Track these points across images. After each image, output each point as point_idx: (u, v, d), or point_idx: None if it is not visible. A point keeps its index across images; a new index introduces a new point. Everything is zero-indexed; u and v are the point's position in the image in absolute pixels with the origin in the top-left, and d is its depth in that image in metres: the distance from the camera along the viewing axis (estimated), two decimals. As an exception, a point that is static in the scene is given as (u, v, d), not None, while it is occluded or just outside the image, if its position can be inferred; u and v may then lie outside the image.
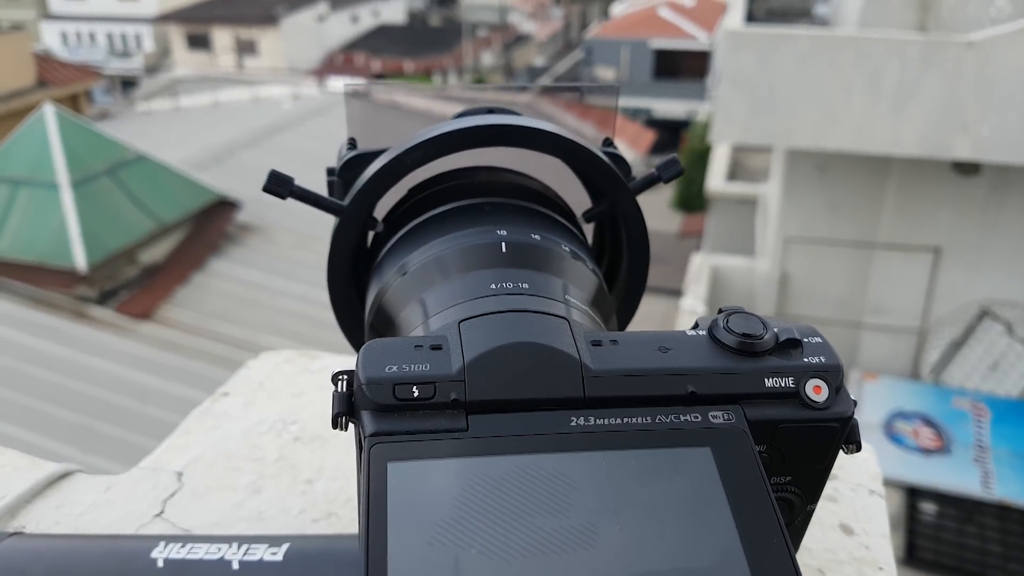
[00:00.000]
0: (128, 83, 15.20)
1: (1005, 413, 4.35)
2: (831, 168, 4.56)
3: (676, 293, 5.28)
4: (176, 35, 17.02)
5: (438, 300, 0.33)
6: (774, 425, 0.29)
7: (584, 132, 0.43)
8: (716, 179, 6.15)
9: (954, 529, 3.91)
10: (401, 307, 0.35)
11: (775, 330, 0.30)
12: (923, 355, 4.75)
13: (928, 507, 3.99)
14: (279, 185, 0.38)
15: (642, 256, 0.43)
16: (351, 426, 0.28)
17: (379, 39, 18.04)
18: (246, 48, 16.47)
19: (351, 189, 0.39)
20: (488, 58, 19.53)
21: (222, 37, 16.63)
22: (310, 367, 0.66)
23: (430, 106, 7.00)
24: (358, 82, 0.44)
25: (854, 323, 4.81)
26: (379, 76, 15.24)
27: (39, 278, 4.14)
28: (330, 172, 0.43)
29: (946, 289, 4.61)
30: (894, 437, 4.24)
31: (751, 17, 5.30)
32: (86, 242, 4.19)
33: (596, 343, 0.30)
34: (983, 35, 3.64)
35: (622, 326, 0.44)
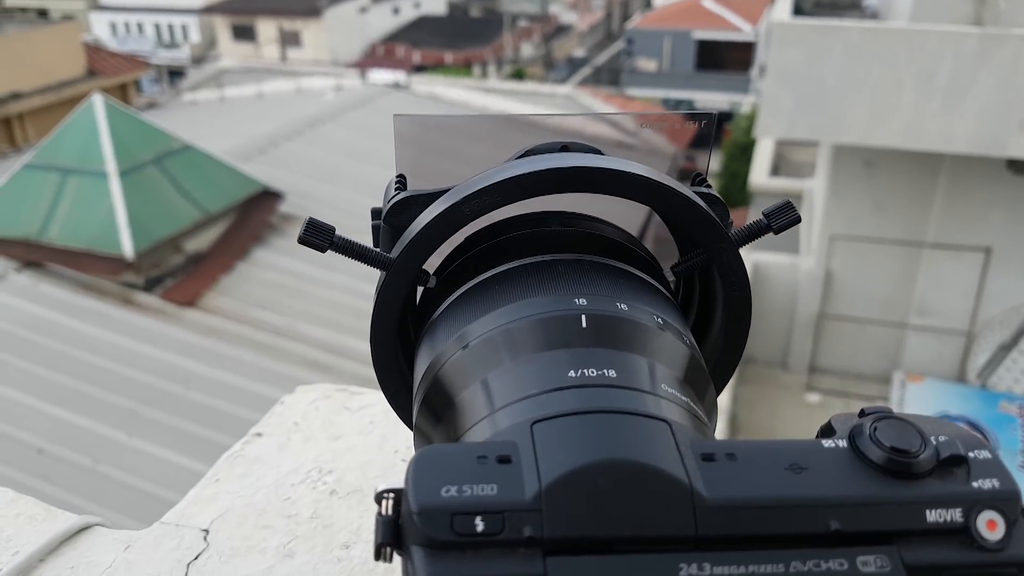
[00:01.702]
0: (175, 73, 15.42)
1: (1055, 418, 4.24)
2: (879, 165, 4.48)
3: (717, 289, 5.22)
4: (221, 26, 17.22)
5: (506, 387, 0.28)
6: (937, 571, 0.24)
7: (661, 150, 0.40)
8: (759, 174, 6.07)
9: (1000, 536, 3.82)
10: (461, 387, 0.30)
11: (934, 443, 0.25)
12: (970, 358, 4.64)
13: (973, 512, 3.91)
14: (318, 235, 0.34)
15: (743, 317, 0.37)
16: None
17: (420, 31, 18.07)
18: (290, 39, 16.62)
19: (400, 239, 0.35)
20: (528, 49, 19.47)
21: (266, 28, 16.79)
22: (349, 405, 0.62)
23: (487, 102, 6.96)
24: (408, 112, 0.38)
25: (899, 324, 4.72)
26: (419, 68, 15.28)
27: (87, 264, 4.22)
28: (375, 215, 0.38)
29: (996, 291, 4.50)
30: (940, 440, 4.16)
31: (798, 9, 5.21)
32: (133, 230, 4.26)
33: (708, 457, 0.24)
34: (1042, 30, 3.54)
35: (716, 391, 0.38)
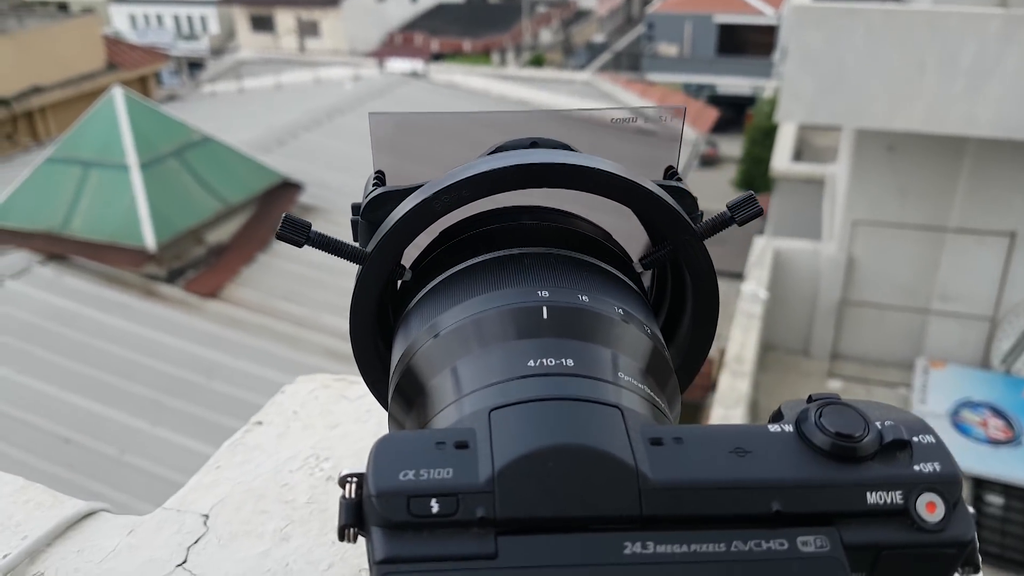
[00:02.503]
0: (195, 65, 15.51)
1: (1081, 405, 4.19)
2: (901, 149, 4.42)
3: (737, 276, 5.19)
4: (240, 17, 17.28)
5: (472, 374, 0.29)
6: (876, 551, 0.24)
7: (651, 138, 0.40)
8: (781, 159, 6.02)
9: (1020, 522, 3.79)
10: (432, 373, 0.31)
11: (878, 427, 0.25)
12: (994, 344, 4.59)
13: (994, 499, 3.88)
14: (294, 231, 0.35)
15: (709, 310, 0.37)
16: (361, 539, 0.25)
17: (438, 18, 18.04)
18: (308, 30, 16.65)
19: (376, 234, 0.35)
20: (547, 35, 19.38)
21: (285, 19, 16.83)
22: (347, 394, 0.63)
23: (488, 86, 6.91)
24: (384, 112, 0.39)
25: (922, 309, 4.67)
26: (438, 56, 15.25)
27: (110, 256, 4.26)
28: (355, 210, 0.39)
29: (1020, 276, 4.44)
30: (961, 427, 4.12)
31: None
32: (155, 222, 4.29)
33: (655, 441, 0.25)
34: (1068, 9, 3.48)
35: (683, 387, 0.39)
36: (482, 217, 0.39)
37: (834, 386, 4.75)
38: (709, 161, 13.19)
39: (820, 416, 0.26)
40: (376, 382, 0.39)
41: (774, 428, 0.26)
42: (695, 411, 4.39)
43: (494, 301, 0.32)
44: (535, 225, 0.39)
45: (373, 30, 16.78)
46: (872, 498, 0.24)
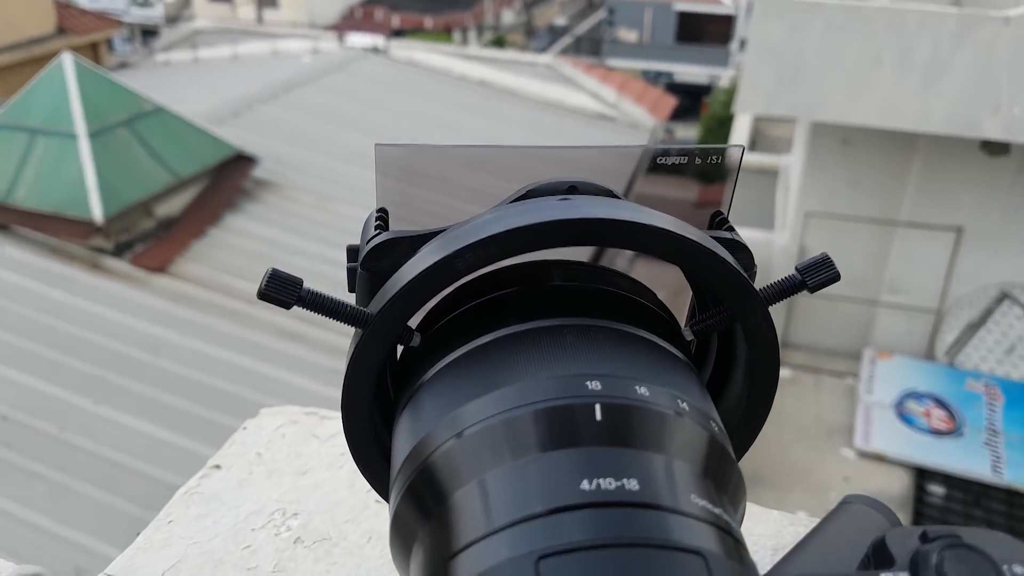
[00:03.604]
0: (148, 32, 15.09)
1: (1019, 397, 4.32)
2: (856, 142, 4.50)
3: (692, 263, 5.24)
4: (196, -16, 16.85)
5: (508, 497, 0.24)
6: None
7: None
8: (737, 149, 6.07)
9: (961, 512, 3.90)
10: (455, 484, 0.26)
11: (1007, 575, 0.22)
12: (939, 336, 4.71)
13: (936, 489, 3.99)
14: (281, 291, 0.30)
15: (768, 386, 0.33)
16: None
17: (400, -6, 17.80)
18: (266, 0, 16.30)
19: (380, 293, 0.31)
20: (509, 16, 19.27)
21: (242, -13, 16.45)
22: (318, 432, 0.56)
23: (450, 66, 6.83)
24: (391, 143, 0.34)
25: (871, 301, 4.77)
26: (398, 32, 15.06)
27: (55, 228, 4.14)
28: (351, 255, 0.34)
29: (966, 270, 4.56)
30: (905, 417, 4.23)
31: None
32: (103, 193, 4.18)
33: None
34: (1021, 11, 3.55)
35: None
36: (505, 272, 0.34)
37: (784, 375, 4.84)
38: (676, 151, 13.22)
39: (941, 562, 0.22)
40: (371, 464, 0.34)
41: None
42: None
43: (532, 394, 0.26)
44: (572, 287, 0.34)
45: (333, 3, 16.50)
46: None
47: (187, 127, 4.80)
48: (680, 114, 12.95)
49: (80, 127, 4.31)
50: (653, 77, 15.28)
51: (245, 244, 4.41)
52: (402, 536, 0.27)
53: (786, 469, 4.13)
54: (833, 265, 0.32)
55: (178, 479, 0.59)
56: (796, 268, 0.32)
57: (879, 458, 4.12)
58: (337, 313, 0.30)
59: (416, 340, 0.32)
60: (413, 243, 0.32)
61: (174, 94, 5.59)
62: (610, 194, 0.33)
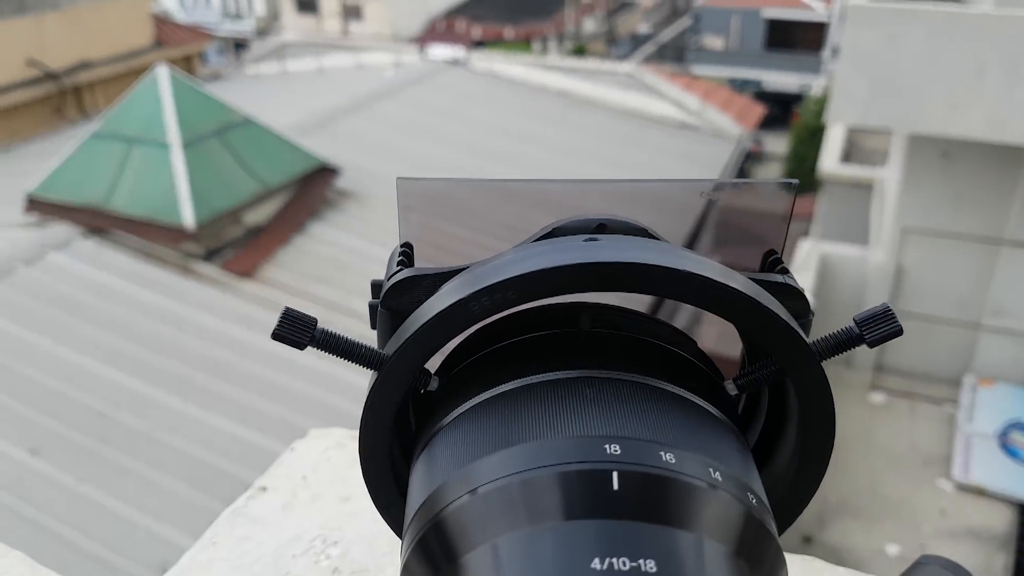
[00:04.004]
0: (240, 45, 15.60)
1: None
2: (957, 156, 4.29)
3: (778, 278, 5.08)
4: (286, -3, 17.34)
5: (518, 568, 0.23)
6: None
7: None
8: (830, 160, 5.88)
9: (1071, 551, 3.66)
10: (467, 545, 0.24)
11: None
12: (1047, 361, 4.45)
13: (1044, 526, 3.76)
14: (295, 330, 0.29)
15: (820, 447, 0.30)
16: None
17: (481, 5, 17.94)
18: (352, 13, 16.66)
19: (397, 333, 0.29)
20: (590, 25, 19.21)
21: (329, 2, 16.86)
22: None
23: (527, 76, 6.85)
24: (413, 177, 0.32)
25: (972, 324, 4.53)
26: (479, 43, 15.18)
27: (149, 233, 4.28)
28: (375, 290, 0.33)
29: (1078, 292, 4.29)
30: (1009, 449, 4.00)
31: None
32: (194, 201, 4.30)
33: None
34: None
35: (780, 528, 0.31)
36: (532, 314, 0.32)
37: (877, 400, 4.64)
38: (753, 158, 13.01)
39: None
40: (391, 507, 0.32)
41: None
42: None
43: (546, 455, 0.25)
44: (598, 335, 0.31)
45: (416, 15, 16.75)
46: None
47: (274, 138, 4.91)
48: (769, 123, 12.68)
49: (174, 137, 4.45)
50: (740, 85, 15.00)
51: (327, 252, 4.48)
52: None
53: (877, 499, 3.95)
54: (895, 318, 0.29)
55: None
56: (854, 319, 0.30)
57: (979, 491, 3.89)
58: (351, 355, 0.29)
59: (434, 384, 0.31)
60: (436, 281, 0.30)
61: (263, 105, 5.73)
62: (644, 233, 0.31)
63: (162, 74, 4.64)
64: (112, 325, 3.77)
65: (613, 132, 6.78)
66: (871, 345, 0.29)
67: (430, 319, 0.28)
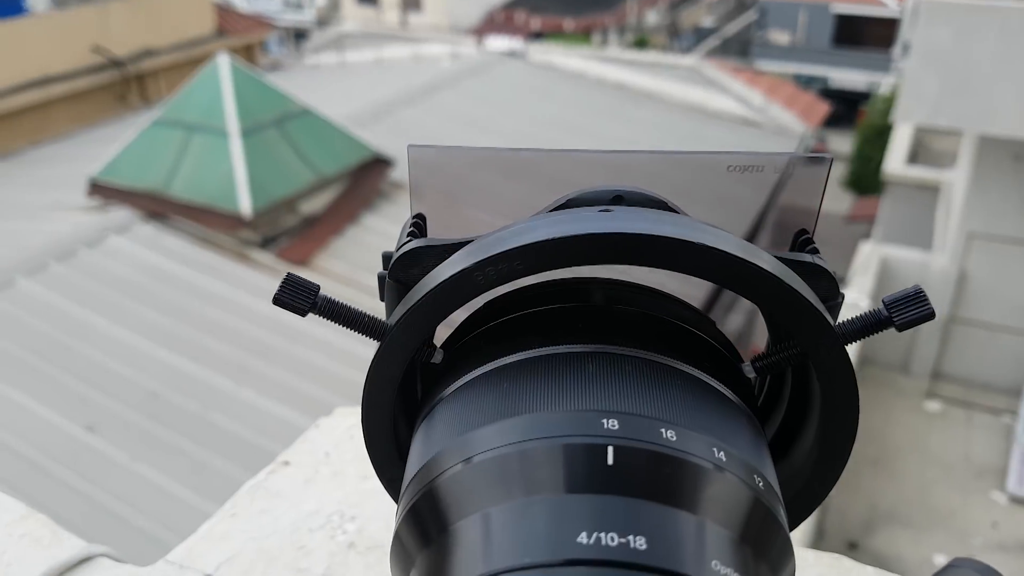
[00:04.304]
0: (300, 35, 15.81)
1: None
2: (1030, 159, 4.12)
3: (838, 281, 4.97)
4: (348, -13, 17.52)
5: (508, 539, 0.22)
6: None
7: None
8: (895, 161, 5.71)
9: None
10: (459, 512, 0.24)
11: None
12: (1118, 375, 4.26)
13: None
14: (296, 296, 0.28)
15: (842, 434, 0.29)
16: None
17: (543, -4, 17.88)
18: (411, 4, 16.75)
19: (400, 305, 0.29)
20: (652, 17, 19.00)
21: (391, -9, 16.98)
22: None
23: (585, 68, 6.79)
24: (423, 144, 0.31)
25: (1040, 334, 4.37)
26: (538, 35, 15.13)
27: (207, 219, 4.36)
28: (385, 261, 0.32)
29: None
30: (1075, 465, 3.84)
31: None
32: (252, 189, 4.37)
33: None
34: None
35: (794, 523, 0.30)
36: (539, 290, 0.31)
37: (932, 408, 4.50)
38: (819, 159, 12.73)
39: None
40: (394, 480, 0.32)
41: None
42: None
43: (542, 427, 0.24)
44: (607, 310, 0.30)
45: (475, 6, 16.76)
46: None
47: (331, 129, 4.96)
48: (834, 122, 12.39)
49: (233, 125, 4.52)
50: (806, 81, 14.68)
51: (380, 243, 4.51)
52: (401, 560, 0.26)
53: (926, 509, 3.83)
54: (927, 301, 0.28)
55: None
56: (883, 301, 0.28)
57: (1036, 506, 3.76)
58: (354, 323, 0.29)
59: (438, 357, 0.30)
60: (445, 252, 0.29)
61: (321, 96, 5.79)
62: (663, 206, 0.30)
63: (223, 63, 4.71)
64: (168, 308, 3.86)
65: (673, 127, 6.69)
66: (900, 328, 0.28)
67: (432, 289, 0.27)
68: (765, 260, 0.26)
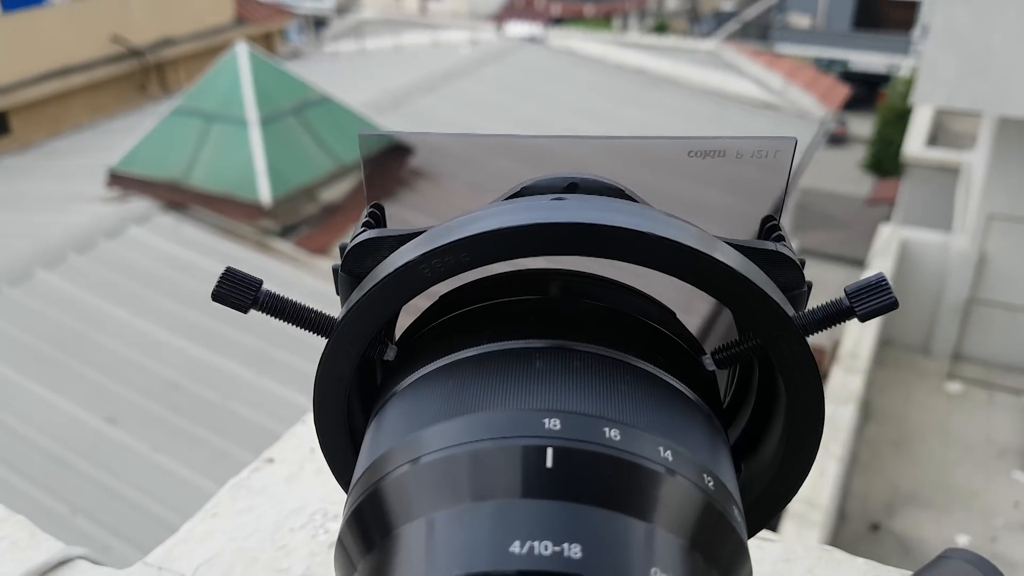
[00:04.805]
0: (320, 23, 15.83)
1: None
2: (1051, 140, 4.07)
3: (858, 263, 4.94)
4: (367, -25, 17.49)
5: (448, 548, 0.21)
6: None
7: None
8: (915, 143, 5.65)
9: None
10: (403, 516, 0.23)
11: None
12: None
13: None
14: (236, 291, 0.27)
15: (807, 429, 0.28)
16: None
17: (563, -19, 17.75)
18: (431, -10, 16.71)
19: (348, 300, 0.28)
20: (673, 2, 18.84)
21: (410, -22, 16.95)
22: None
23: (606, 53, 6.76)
24: (373, 130, 0.30)
25: (1060, 315, 4.32)
26: (558, 20, 15.05)
27: (227, 209, 4.39)
28: (341, 252, 0.31)
29: None
30: (1096, 447, 3.80)
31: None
32: (271, 178, 4.39)
33: None
34: None
35: (760, 524, 0.29)
36: (496, 283, 0.30)
37: (953, 389, 4.47)
38: (837, 140, 12.62)
39: None
40: (344, 472, 0.31)
41: None
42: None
43: (486, 428, 0.23)
44: (561, 304, 0.29)
45: (496, -8, 16.70)
46: None
47: (351, 116, 4.97)
48: (855, 105, 12.25)
49: (252, 114, 4.54)
50: (826, 65, 14.52)
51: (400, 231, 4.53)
52: (343, 566, 0.24)
53: (947, 490, 3.82)
54: (890, 290, 0.27)
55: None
56: (844, 290, 0.27)
57: (1058, 487, 3.73)
58: (299, 320, 0.28)
59: (391, 353, 0.29)
60: (399, 243, 0.28)
61: (340, 83, 5.80)
62: (619, 193, 0.29)
63: (241, 51, 4.74)
64: (188, 298, 3.89)
65: (693, 111, 6.65)
66: (862, 319, 0.27)
67: (378, 283, 0.26)
68: (720, 250, 0.25)
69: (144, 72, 6.42)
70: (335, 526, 0.47)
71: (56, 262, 3.89)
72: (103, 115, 6.11)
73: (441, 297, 0.31)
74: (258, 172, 4.40)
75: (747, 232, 0.31)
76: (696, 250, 0.24)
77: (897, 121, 8.67)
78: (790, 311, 0.26)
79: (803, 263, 0.29)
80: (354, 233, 0.31)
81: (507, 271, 0.30)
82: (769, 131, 6.56)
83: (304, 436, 0.56)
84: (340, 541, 0.25)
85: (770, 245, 0.28)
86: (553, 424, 0.22)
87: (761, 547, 0.47)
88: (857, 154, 11.60)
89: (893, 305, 0.27)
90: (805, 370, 0.26)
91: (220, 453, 3.15)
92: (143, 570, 0.47)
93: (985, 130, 4.69)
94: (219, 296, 0.28)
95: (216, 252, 4.23)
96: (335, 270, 0.31)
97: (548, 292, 0.30)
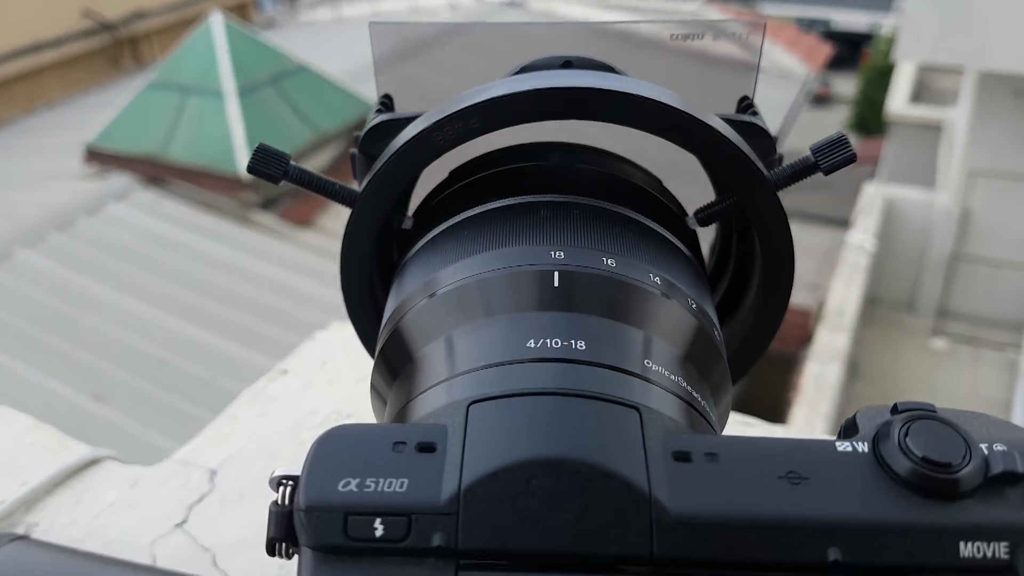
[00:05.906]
0: (296, -9, 15.59)
1: None
2: (1032, 94, 4.07)
3: (843, 224, 4.94)
4: (343, -58, 17.22)
5: (467, 350, 0.24)
6: None
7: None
8: (898, 100, 5.64)
9: None
10: (424, 340, 0.26)
11: (983, 452, 0.20)
12: (1124, 309, 4.26)
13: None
14: (268, 165, 0.30)
15: (780, 279, 0.31)
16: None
17: (542, -56, 17.54)
18: (409, -45, 16.48)
19: (368, 172, 0.31)
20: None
21: (387, -57, 16.69)
22: None
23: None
24: (388, 22, 0.33)
25: (1042, 269, 4.36)
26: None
27: (206, 182, 4.35)
28: (355, 141, 0.34)
29: None
30: (1078, 398, 3.85)
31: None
32: (250, 150, 4.33)
33: (682, 456, 0.19)
34: None
35: (742, 372, 0.31)
36: (501, 155, 0.33)
37: (939, 345, 4.51)
38: (821, 100, 12.59)
39: (906, 434, 0.20)
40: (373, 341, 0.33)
41: (844, 446, 0.20)
42: (788, 365, 4.23)
43: (499, 260, 0.27)
44: (556, 167, 0.33)
45: (475, -43, 16.48)
46: (966, 550, 0.18)
47: (329, 85, 4.91)
48: (838, 64, 12.20)
49: (228, 85, 4.48)
50: (808, 24, 14.44)
51: (382, 200, 4.50)
52: (377, 404, 0.28)
53: (935, 446, 3.86)
54: (849, 146, 0.29)
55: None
56: (810, 148, 0.30)
57: (1044, 440, 3.78)
58: (325, 190, 0.30)
59: (409, 223, 0.32)
60: (408, 124, 0.30)
61: (317, 52, 5.73)
62: (609, 70, 0.32)
63: (216, 22, 4.66)
64: (171, 274, 3.86)
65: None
66: (826, 172, 0.29)
67: (395, 151, 0.29)
68: (707, 114, 0.28)
69: (117, 46, 6.31)
70: (351, 422, 0.51)
71: (36, 241, 3.86)
72: (77, 91, 6.02)
73: (451, 172, 0.34)
74: (236, 144, 4.35)
75: (725, 108, 0.34)
76: (683, 112, 0.27)
77: (881, 80, 8.66)
78: (764, 170, 0.29)
79: (776, 138, 0.32)
80: (369, 119, 0.33)
81: (510, 146, 0.33)
82: (715, 80, 6.53)
83: (315, 351, 0.59)
84: (372, 386, 0.28)
85: (746, 118, 0.32)
86: (558, 255, 0.26)
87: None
88: (841, 114, 11.58)
89: (852, 158, 0.29)
90: (778, 223, 0.29)
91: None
92: (169, 466, 0.49)
93: (966, 86, 4.69)
94: (253, 169, 0.30)
95: (197, 227, 4.20)
96: (352, 155, 0.33)
97: (546, 160, 0.33)
